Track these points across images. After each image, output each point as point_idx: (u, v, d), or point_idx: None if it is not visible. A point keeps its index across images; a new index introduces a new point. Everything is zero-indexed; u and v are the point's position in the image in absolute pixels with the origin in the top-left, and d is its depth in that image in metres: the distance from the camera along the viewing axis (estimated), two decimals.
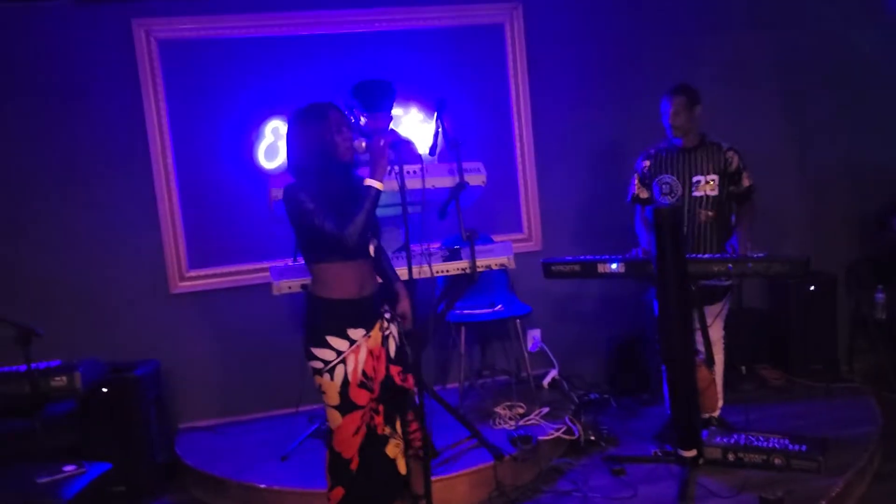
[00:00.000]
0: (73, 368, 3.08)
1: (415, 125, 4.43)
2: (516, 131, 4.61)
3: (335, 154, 2.61)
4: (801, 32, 4.76)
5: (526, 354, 4.23)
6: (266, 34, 4.25)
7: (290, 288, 3.30)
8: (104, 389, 3.53)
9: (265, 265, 4.13)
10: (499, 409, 3.89)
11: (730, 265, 3.11)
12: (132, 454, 3.54)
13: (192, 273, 4.23)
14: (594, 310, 4.75)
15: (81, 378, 3.07)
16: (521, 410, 3.88)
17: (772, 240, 4.62)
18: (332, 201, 2.55)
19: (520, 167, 4.63)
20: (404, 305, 2.85)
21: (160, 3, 4.08)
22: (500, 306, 4.20)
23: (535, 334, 4.65)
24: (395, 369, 2.75)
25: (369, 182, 2.58)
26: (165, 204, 4.16)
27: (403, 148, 2.80)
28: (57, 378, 3.04)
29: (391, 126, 3.73)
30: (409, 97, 4.41)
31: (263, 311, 4.24)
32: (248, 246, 4.27)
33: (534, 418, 3.80)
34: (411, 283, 3.02)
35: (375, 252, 2.74)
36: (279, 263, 3.51)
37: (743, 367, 4.52)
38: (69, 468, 2.67)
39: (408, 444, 2.79)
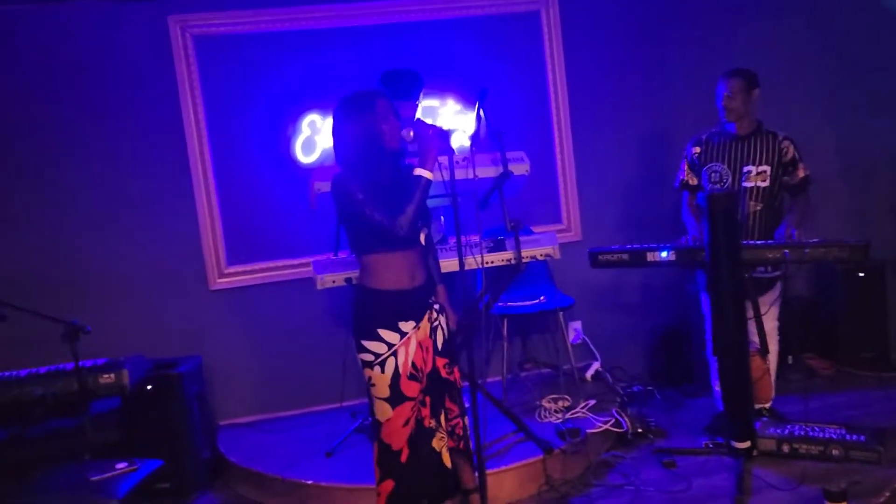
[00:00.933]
0: (120, 366, 3.07)
1: (452, 116, 4.38)
2: (554, 120, 4.53)
3: (383, 143, 2.58)
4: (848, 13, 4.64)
5: (569, 346, 4.16)
6: (301, 27, 4.21)
7: (333, 282, 3.27)
8: (148, 387, 3.52)
9: (303, 260, 4.11)
10: (544, 403, 3.83)
11: (786, 251, 3.02)
12: (176, 451, 3.52)
13: (231, 269, 4.21)
14: (635, 301, 4.67)
15: (129, 375, 3.06)
16: (566, 403, 3.82)
17: (816, 226, 4.51)
18: (381, 191, 2.53)
19: (558, 157, 4.56)
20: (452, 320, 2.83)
21: None
22: (543, 298, 4.14)
23: (576, 326, 4.58)
24: (441, 361, 2.71)
25: (419, 171, 2.55)
26: (203, 200, 4.15)
27: (448, 138, 2.75)
28: (105, 375, 3.03)
29: (418, 115, 3.69)
30: (446, 88, 4.36)
31: (302, 306, 4.22)
32: (286, 241, 4.24)
33: (580, 411, 3.74)
34: (453, 276, 2.97)
35: (426, 241, 2.70)
36: (321, 258, 3.47)
37: (790, 357, 4.41)
38: (121, 465, 2.65)
39: (450, 436, 2.75)
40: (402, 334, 2.57)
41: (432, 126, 2.64)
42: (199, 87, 4.11)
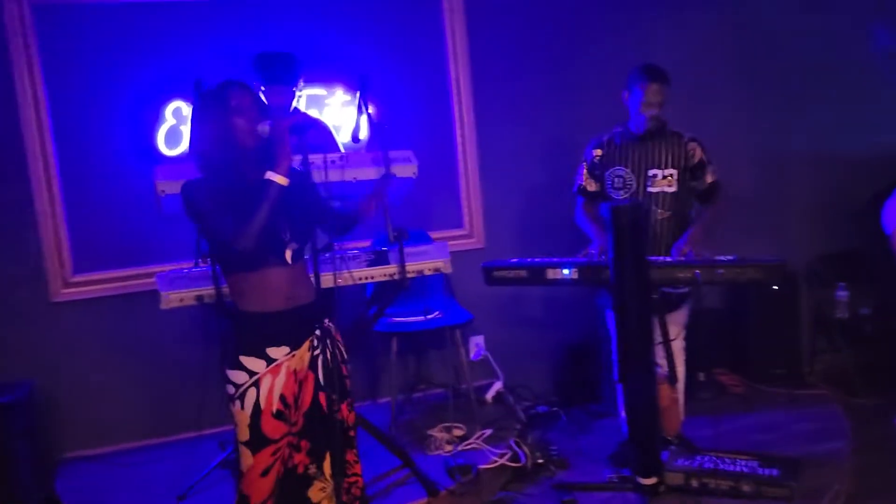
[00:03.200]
0: None
1: (340, 108, 3.92)
2: (456, 116, 4.14)
3: (236, 141, 2.15)
4: (761, 14, 4.41)
5: (466, 365, 3.78)
6: None
7: (181, 301, 2.76)
8: None
9: (165, 267, 3.58)
10: (434, 432, 3.43)
11: (697, 272, 2.70)
12: None
13: (78, 278, 3.64)
14: (542, 313, 4.34)
15: None
16: (460, 433, 3.45)
17: (727, 236, 4.28)
18: (231, 199, 2.11)
19: (460, 156, 4.17)
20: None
21: None
22: (437, 313, 3.74)
23: (477, 341, 4.22)
24: (324, 397, 2.27)
25: (270, 176, 2.11)
26: (44, 196, 3.56)
27: (313, 132, 2.32)
28: None
29: (295, 104, 3.28)
30: (334, 76, 3.90)
31: (161, 321, 3.65)
32: (146, 246, 3.70)
33: (474, 442, 3.37)
34: (330, 291, 2.55)
35: (295, 258, 2.24)
36: (172, 269, 2.94)
37: (701, 374, 4.17)
38: None
39: (339, 490, 2.30)
40: (270, 361, 2.15)
41: (297, 117, 2.20)
42: (40, 65, 3.52)
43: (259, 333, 2.16)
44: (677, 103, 3.74)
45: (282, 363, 2.16)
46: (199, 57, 3.69)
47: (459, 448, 3.32)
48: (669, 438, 3.28)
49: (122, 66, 3.65)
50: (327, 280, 2.67)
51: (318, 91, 3.89)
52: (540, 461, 3.34)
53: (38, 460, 3.29)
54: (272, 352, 2.16)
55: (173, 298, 2.76)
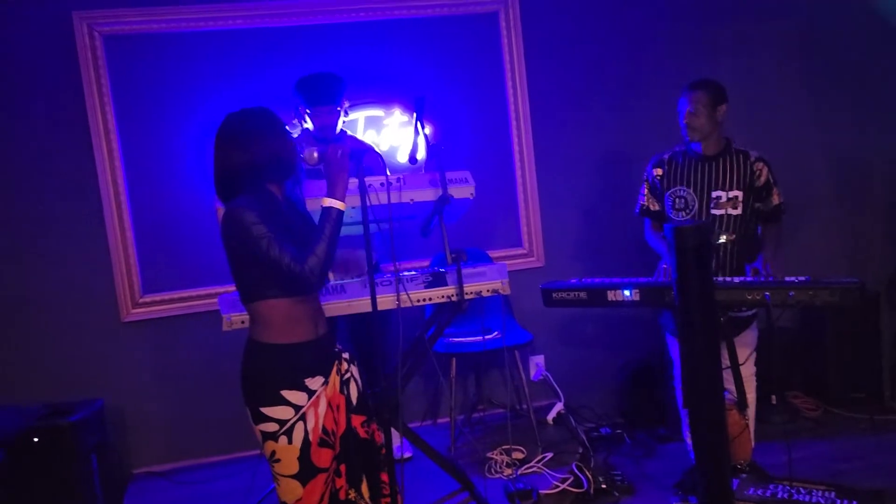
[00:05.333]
0: None
1: (397, 129, 3.94)
2: (514, 134, 4.10)
3: (290, 164, 2.16)
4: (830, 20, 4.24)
5: (525, 386, 3.71)
6: (230, 27, 3.76)
7: (243, 323, 2.77)
8: (35, 439, 3.04)
9: (230, 288, 3.63)
10: (494, 455, 3.38)
11: (766, 293, 2.58)
12: None
13: (146, 298, 3.74)
14: (605, 332, 4.24)
15: None
16: (520, 455, 3.38)
17: (799, 254, 4.10)
18: (285, 225, 2.09)
19: (518, 174, 4.12)
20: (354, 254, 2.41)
21: None
22: (496, 333, 3.69)
23: (538, 361, 4.14)
24: (357, 419, 2.26)
25: (329, 202, 2.11)
26: (114, 219, 3.68)
27: (367, 157, 2.32)
28: None
29: (340, 124, 3.30)
30: (392, 97, 3.91)
31: (226, 341, 3.70)
32: (212, 268, 3.74)
33: (535, 465, 3.30)
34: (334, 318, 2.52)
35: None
36: (234, 291, 2.98)
37: (773, 397, 3.98)
38: None
39: None
40: (311, 393, 2.12)
41: (343, 144, 2.20)
42: (111, 93, 3.65)
43: (296, 366, 2.13)
44: (746, 118, 3.63)
45: (320, 394, 2.15)
46: (264, 83, 3.77)
47: (519, 472, 3.25)
48: (739, 466, 3.13)
49: (189, 93, 3.74)
50: (385, 302, 2.66)
51: (375, 112, 3.91)
52: (603, 486, 3.24)
53: (108, 476, 3.38)
54: (310, 383, 2.13)
55: (235, 320, 2.79)
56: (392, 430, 2.69)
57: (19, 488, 3.06)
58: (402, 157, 3.50)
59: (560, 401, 3.98)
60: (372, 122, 3.91)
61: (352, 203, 2.28)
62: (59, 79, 3.60)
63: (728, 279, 2.75)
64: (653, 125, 3.93)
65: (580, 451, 3.47)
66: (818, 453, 3.49)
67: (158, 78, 3.71)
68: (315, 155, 2.15)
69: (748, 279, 2.74)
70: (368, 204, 2.27)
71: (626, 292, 2.77)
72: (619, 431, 3.82)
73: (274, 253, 2.02)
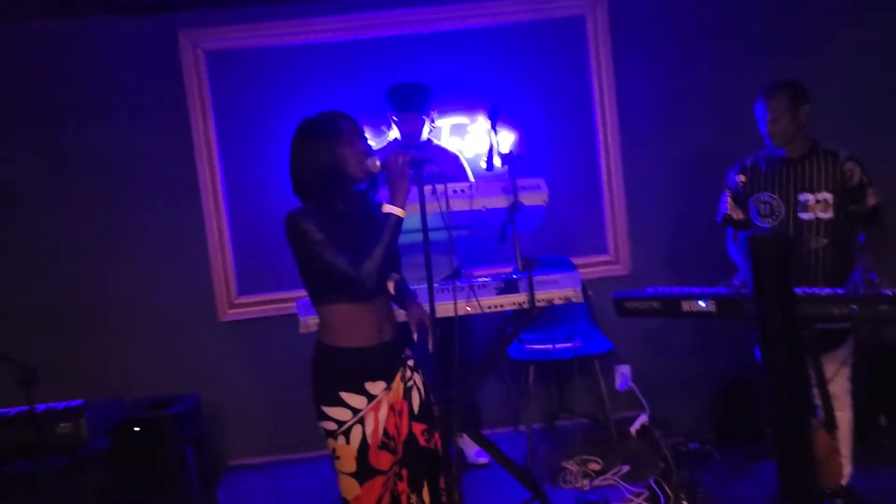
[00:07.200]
0: (80, 414, 2.82)
1: (482, 136, 3.96)
2: (601, 139, 4.03)
3: (347, 173, 2.19)
4: None
5: (606, 396, 3.63)
6: (321, 40, 3.93)
7: (318, 325, 2.89)
8: (136, 429, 3.28)
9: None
10: (569, 465, 3.33)
11: (853, 306, 2.41)
12: (166, 499, 3.27)
13: (242, 300, 3.96)
14: (694, 342, 4.08)
15: (87, 425, 2.80)
16: (596, 467, 3.31)
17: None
18: (343, 232, 2.14)
19: (605, 179, 4.05)
20: (418, 311, 2.37)
21: (207, 11, 3.83)
22: (577, 341, 3.64)
23: (623, 370, 4.04)
24: (418, 427, 2.30)
25: (388, 209, 2.16)
26: (213, 224, 3.92)
27: (436, 164, 2.35)
28: (62, 425, 2.79)
29: (426, 132, 3.38)
30: (476, 104, 3.95)
31: (312, 341, 3.88)
32: None
33: (611, 478, 3.22)
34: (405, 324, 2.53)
35: (396, 288, 2.30)
36: None
37: (882, 417, 3.70)
38: None
39: None
40: (371, 398, 2.19)
41: (404, 153, 2.23)
42: (211, 104, 3.90)
43: (356, 369, 2.19)
44: (840, 118, 3.40)
45: (381, 399, 2.20)
46: (357, 91, 3.88)
47: (594, 483, 3.19)
48: (829, 490, 2.94)
49: (283, 102, 3.90)
50: (458, 308, 2.69)
51: (460, 119, 3.96)
52: (684, 503, 3.13)
53: (203, 467, 3.58)
54: (370, 387, 2.18)
55: (311, 323, 2.92)
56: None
57: (121, 474, 3.29)
58: (483, 164, 3.53)
59: (645, 412, 3.87)
60: (457, 130, 3.96)
61: (430, 210, 2.31)
62: (163, 92, 3.87)
63: (813, 290, 2.59)
64: (745, 129, 3.73)
65: (661, 465, 3.36)
66: None
67: (255, 89, 3.91)
68: (377, 163, 2.20)
69: (835, 290, 2.57)
70: (428, 212, 2.29)
71: (702, 303, 2.67)
72: (707, 447, 3.66)
73: (328, 257, 2.10)
